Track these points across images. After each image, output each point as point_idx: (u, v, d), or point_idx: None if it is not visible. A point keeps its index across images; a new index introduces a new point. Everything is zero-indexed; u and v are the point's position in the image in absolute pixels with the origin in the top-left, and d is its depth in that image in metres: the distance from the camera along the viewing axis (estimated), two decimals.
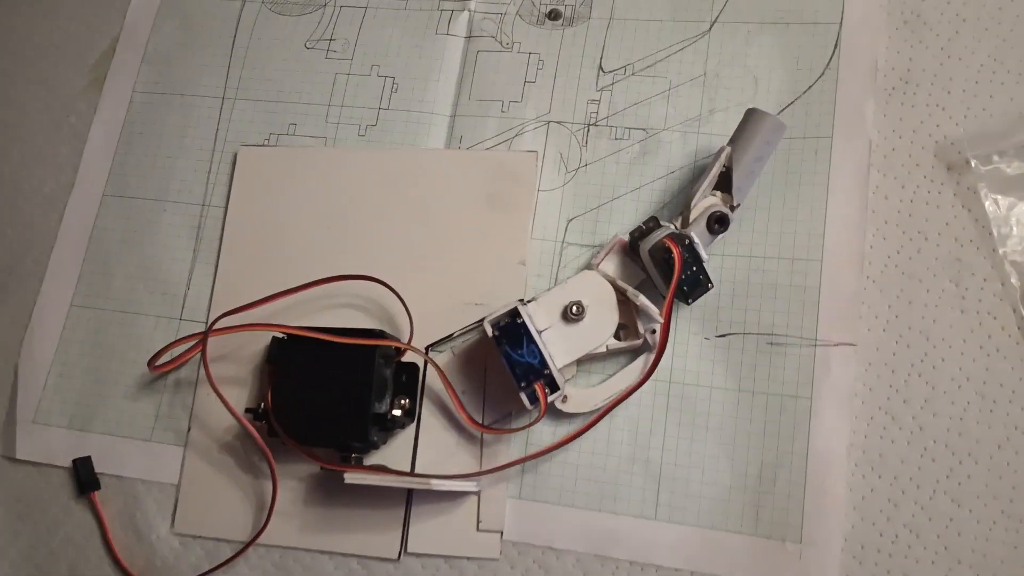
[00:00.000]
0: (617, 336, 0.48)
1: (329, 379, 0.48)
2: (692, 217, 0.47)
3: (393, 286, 0.51)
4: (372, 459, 0.49)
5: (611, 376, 0.49)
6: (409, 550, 0.49)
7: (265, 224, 0.56)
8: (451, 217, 0.54)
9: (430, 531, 0.49)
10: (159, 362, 0.52)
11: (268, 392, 0.48)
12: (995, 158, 0.49)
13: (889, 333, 0.48)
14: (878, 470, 0.46)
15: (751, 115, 0.48)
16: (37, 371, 0.56)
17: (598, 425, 0.48)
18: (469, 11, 0.58)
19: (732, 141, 0.48)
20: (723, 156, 0.47)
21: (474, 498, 0.49)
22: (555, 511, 0.48)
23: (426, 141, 0.56)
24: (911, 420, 0.47)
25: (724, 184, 0.48)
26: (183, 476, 0.52)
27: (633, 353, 0.49)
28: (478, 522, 0.49)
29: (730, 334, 0.49)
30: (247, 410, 0.49)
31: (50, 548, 0.53)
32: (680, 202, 0.51)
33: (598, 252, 0.50)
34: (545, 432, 0.49)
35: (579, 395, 0.48)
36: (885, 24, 0.53)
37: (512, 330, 0.46)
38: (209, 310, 0.55)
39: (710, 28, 0.55)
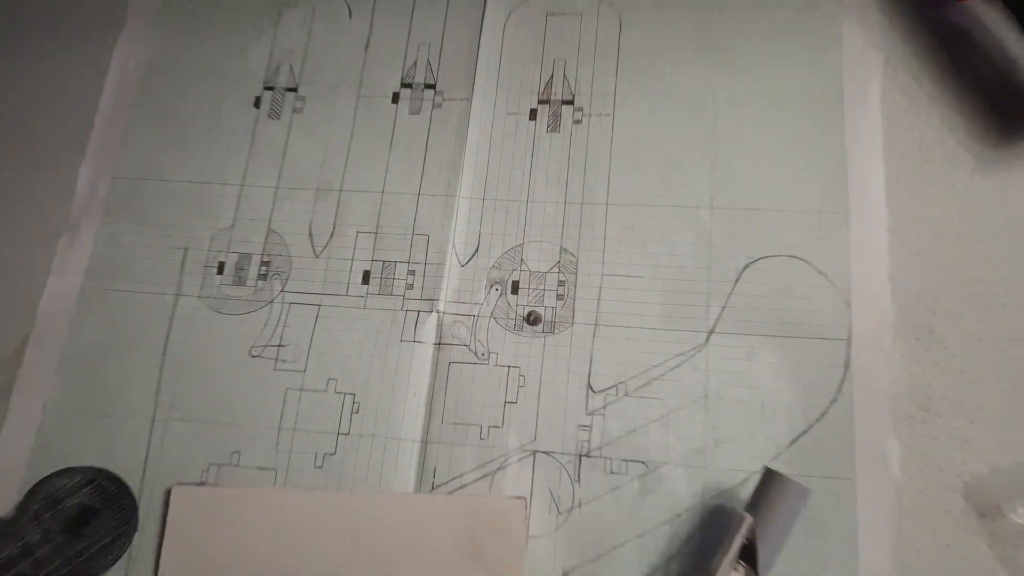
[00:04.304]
0: None
1: None
2: None
3: None
4: None
5: None
6: None
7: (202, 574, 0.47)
8: (423, 574, 0.46)
9: None
10: None
11: None
12: None
13: None
14: None
15: (771, 479, 0.42)
16: None
17: None
18: (437, 312, 0.52)
19: (752, 507, 0.42)
20: (744, 528, 0.42)
21: None
22: None
23: (393, 473, 0.49)
24: None
25: (747, 554, 0.42)
26: None
27: None
28: None
29: None
30: None
31: None
32: (692, 561, 0.44)
33: None
34: None
35: None
36: (895, 340, 0.48)
37: None
38: None
39: (707, 340, 0.50)
